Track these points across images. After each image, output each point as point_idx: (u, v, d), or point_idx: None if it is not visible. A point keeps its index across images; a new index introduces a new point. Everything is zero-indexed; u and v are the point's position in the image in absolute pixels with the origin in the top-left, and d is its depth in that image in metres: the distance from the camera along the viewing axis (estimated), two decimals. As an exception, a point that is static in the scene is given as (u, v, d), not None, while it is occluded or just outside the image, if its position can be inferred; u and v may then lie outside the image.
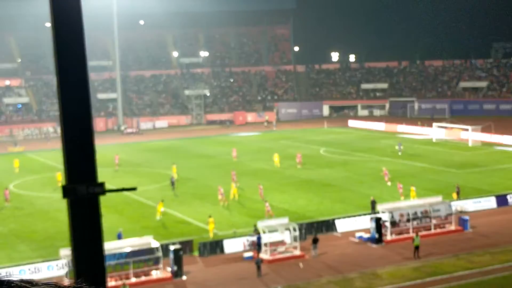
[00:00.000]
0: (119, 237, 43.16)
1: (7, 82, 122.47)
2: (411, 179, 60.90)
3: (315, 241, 40.79)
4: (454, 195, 52.46)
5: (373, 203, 49.57)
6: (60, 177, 60.92)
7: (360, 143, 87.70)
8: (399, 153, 77.01)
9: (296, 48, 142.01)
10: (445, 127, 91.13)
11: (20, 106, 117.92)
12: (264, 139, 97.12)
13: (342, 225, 47.07)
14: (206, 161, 76.16)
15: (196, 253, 42.55)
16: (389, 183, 58.16)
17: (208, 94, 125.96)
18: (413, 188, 53.40)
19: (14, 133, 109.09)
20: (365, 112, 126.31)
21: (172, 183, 60.55)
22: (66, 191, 8.78)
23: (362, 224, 46.84)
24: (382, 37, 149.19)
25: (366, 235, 44.58)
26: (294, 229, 42.44)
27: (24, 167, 75.13)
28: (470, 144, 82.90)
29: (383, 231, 44.41)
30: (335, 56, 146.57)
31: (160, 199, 52.77)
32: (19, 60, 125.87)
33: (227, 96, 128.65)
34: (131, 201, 55.83)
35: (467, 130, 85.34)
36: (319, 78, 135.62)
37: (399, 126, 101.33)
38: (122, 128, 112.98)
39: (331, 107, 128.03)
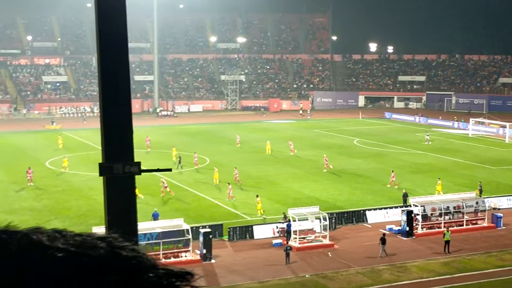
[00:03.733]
0: (155, 216, 43.61)
1: (47, 61, 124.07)
2: (443, 173, 60.39)
3: (383, 241, 40.28)
4: (477, 192, 51.76)
5: (405, 196, 49.30)
6: (66, 163, 61.42)
7: (394, 135, 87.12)
8: (425, 143, 78.47)
9: (334, 37, 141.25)
10: (482, 123, 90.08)
11: (58, 84, 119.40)
12: (298, 127, 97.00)
13: (373, 217, 46.93)
14: (238, 147, 76.31)
15: (225, 238, 42.82)
16: (396, 187, 56.50)
17: (243, 80, 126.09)
18: (439, 182, 52.95)
19: (52, 111, 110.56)
20: (401, 104, 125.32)
21: (179, 162, 61.81)
22: (103, 169, 8.97)
23: (393, 216, 46.66)
24: (422, 29, 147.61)
25: (397, 228, 44.39)
26: (324, 218, 42.44)
27: (60, 145, 76.18)
28: (507, 141, 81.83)
29: (414, 224, 44.18)
30: (373, 46, 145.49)
31: (192, 180, 53.09)
32: (59, 39, 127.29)
33: (262, 83, 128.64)
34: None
35: (504, 126, 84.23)
36: (356, 68, 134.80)
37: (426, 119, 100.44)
38: (158, 110, 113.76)
39: (366, 98, 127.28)
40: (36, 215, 47.29)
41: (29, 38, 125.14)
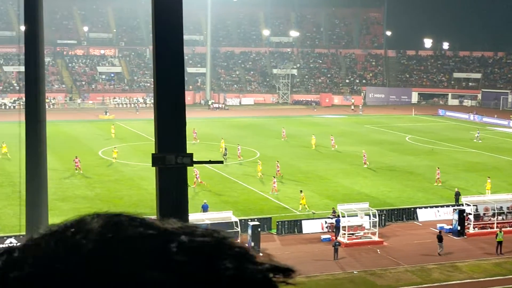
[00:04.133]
0: (205, 208, 43.91)
1: (102, 51, 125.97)
2: (497, 172, 59.25)
3: (440, 238, 39.80)
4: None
5: (457, 195, 48.53)
6: (115, 153, 61.92)
7: (447, 133, 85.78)
8: (475, 141, 77.60)
9: (388, 33, 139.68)
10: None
11: (113, 75, 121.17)
12: (349, 122, 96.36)
13: (424, 215, 46.34)
14: (289, 141, 76.21)
15: (274, 231, 42.86)
16: (439, 184, 55.50)
17: (295, 74, 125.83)
18: (488, 180, 51.94)
19: (106, 101, 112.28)
20: (455, 102, 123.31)
21: (225, 154, 62.18)
22: (156, 160, 9.06)
23: (444, 215, 46.00)
24: (478, 26, 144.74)
25: (448, 227, 43.73)
26: (374, 215, 42.11)
27: (113, 134, 77.35)
28: None
29: (465, 223, 43.47)
30: (428, 42, 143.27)
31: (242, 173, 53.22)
32: (115, 30, 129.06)
33: (314, 77, 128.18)
34: (213, 175, 56.62)
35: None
36: (409, 64, 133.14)
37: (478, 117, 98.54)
38: (209, 102, 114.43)
39: (420, 95, 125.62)
40: (88, 203, 48.12)
41: (85, 29, 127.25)
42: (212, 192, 51.56)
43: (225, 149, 63.59)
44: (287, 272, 1.16)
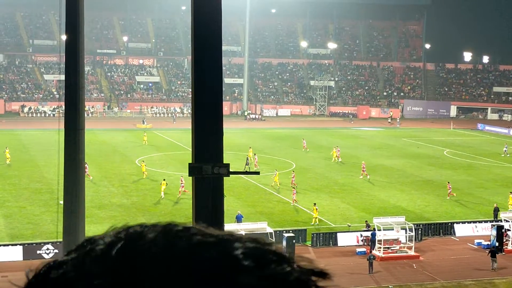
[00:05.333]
0: (239, 219, 43.93)
1: (141, 61, 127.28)
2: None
3: (493, 253, 39.26)
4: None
5: (496, 210, 47.76)
6: (144, 168, 61.12)
7: (486, 147, 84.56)
8: (502, 155, 76.33)
9: (428, 45, 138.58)
10: None
11: (151, 84, 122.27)
12: (386, 135, 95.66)
13: (461, 230, 45.70)
14: (326, 153, 75.92)
15: (308, 243, 42.67)
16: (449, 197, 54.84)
17: (333, 86, 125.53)
18: (511, 195, 51.01)
19: (143, 110, 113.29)
20: (495, 116, 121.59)
21: (247, 163, 62.35)
22: (192, 170, 9.08)
23: (482, 230, 45.30)
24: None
25: (486, 243, 43.04)
26: (410, 229, 41.65)
27: (150, 144, 78.00)
28: None
29: (504, 240, 42.72)
30: (467, 56, 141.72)
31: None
32: (153, 41, 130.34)
33: (352, 89, 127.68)
34: (249, 186, 56.67)
35: None
36: (448, 78, 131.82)
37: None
38: (246, 113, 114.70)
39: (459, 108, 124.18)
40: (125, 211, 48.51)
41: (125, 38, 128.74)
42: (246, 202, 51.56)
43: (247, 159, 63.67)
44: (325, 276, 1.20)
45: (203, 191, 9.35)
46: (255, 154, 66.41)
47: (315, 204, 47.54)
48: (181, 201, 50.55)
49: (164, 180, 53.29)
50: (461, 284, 36.50)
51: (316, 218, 46.30)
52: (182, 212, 46.28)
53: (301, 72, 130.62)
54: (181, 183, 52.07)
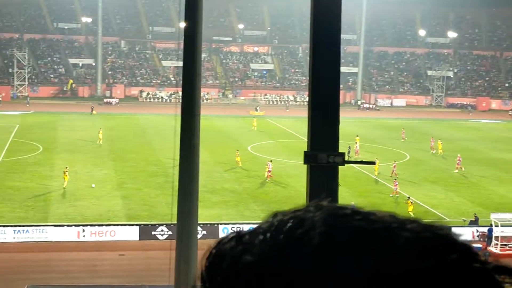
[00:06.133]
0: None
1: (256, 49, 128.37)
2: None
3: None
4: None
5: None
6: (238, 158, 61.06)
7: None
8: None
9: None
10: None
11: (265, 72, 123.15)
12: (507, 128, 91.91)
13: None
14: (442, 145, 73.78)
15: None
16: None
17: (451, 76, 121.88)
18: None
19: (257, 97, 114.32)
20: None
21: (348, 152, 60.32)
22: (308, 157, 8.96)
23: None
24: None
25: None
26: (531, 227, 39.89)
27: (262, 131, 78.60)
28: None
29: None
30: None
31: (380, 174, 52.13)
32: (269, 28, 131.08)
33: (471, 80, 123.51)
34: (360, 176, 56.01)
35: None
36: None
37: None
38: (359, 102, 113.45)
39: None
40: (236, 197, 49.16)
41: (241, 26, 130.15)
42: (358, 193, 51.03)
43: (349, 147, 61.93)
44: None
45: (318, 179, 9.21)
46: (356, 143, 65.37)
47: (409, 197, 46.84)
48: (289, 188, 50.57)
49: (270, 161, 54.26)
50: None
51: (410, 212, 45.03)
52: (293, 200, 46.34)
53: (418, 61, 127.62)
54: (268, 169, 54.10)
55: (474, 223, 42.89)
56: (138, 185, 51.47)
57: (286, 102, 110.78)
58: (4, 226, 40.02)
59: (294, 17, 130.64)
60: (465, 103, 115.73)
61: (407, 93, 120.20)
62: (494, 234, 39.76)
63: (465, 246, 1.11)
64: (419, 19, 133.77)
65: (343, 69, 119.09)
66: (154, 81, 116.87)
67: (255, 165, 59.88)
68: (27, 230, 39.83)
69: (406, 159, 64.13)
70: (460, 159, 59.92)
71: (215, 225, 41.02)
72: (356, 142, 65.31)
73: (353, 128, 78.69)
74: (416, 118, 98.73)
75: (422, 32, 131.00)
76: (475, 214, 43.45)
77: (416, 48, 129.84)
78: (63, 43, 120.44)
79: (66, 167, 51.30)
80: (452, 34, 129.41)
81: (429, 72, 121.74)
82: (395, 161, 57.19)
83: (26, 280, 33.12)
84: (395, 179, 52.08)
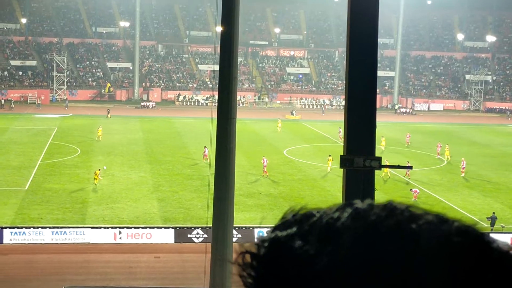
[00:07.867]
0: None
1: (292, 53, 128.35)
2: None
3: None
4: None
5: None
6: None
7: None
8: None
9: None
10: None
11: (301, 76, 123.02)
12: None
13: None
14: (479, 150, 72.96)
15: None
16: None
17: (490, 81, 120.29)
18: None
19: (293, 101, 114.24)
20: None
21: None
22: (344, 161, 8.97)
23: None
24: None
25: None
26: None
27: (298, 135, 78.49)
28: None
29: None
30: None
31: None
32: (305, 32, 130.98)
33: (510, 85, 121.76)
34: (391, 180, 55.57)
35: None
36: None
37: None
38: (396, 106, 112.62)
39: None
40: (271, 200, 49.15)
41: (277, 30, 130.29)
42: (391, 197, 50.54)
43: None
44: None
45: (354, 183, 9.21)
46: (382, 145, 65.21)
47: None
48: (325, 192, 50.42)
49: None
50: None
51: None
52: (329, 204, 45.93)
53: (456, 65, 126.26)
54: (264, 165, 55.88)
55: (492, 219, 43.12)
56: (174, 188, 51.81)
57: (322, 106, 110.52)
58: (42, 227, 40.62)
59: (330, 21, 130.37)
60: (504, 107, 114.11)
61: (444, 98, 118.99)
62: (533, 241, 39.10)
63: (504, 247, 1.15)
64: (457, 23, 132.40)
65: (380, 73, 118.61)
66: (191, 85, 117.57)
67: (291, 169, 59.84)
68: (65, 232, 40.36)
69: (443, 165, 63.43)
70: (464, 163, 59.08)
71: (250, 228, 41.08)
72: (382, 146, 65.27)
73: (389, 133, 78.12)
74: (454, 123, 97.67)
75: (460, 36, 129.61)
76: (493, 212, 43.65)
77: (454, 52, 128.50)
78: (101, 47, 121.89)
79: (99, 169, 52.04)
80: (490, 38, 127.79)
81: (467, 77, 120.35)
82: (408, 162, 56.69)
83: (64, 281, 33.59)
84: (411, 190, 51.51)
